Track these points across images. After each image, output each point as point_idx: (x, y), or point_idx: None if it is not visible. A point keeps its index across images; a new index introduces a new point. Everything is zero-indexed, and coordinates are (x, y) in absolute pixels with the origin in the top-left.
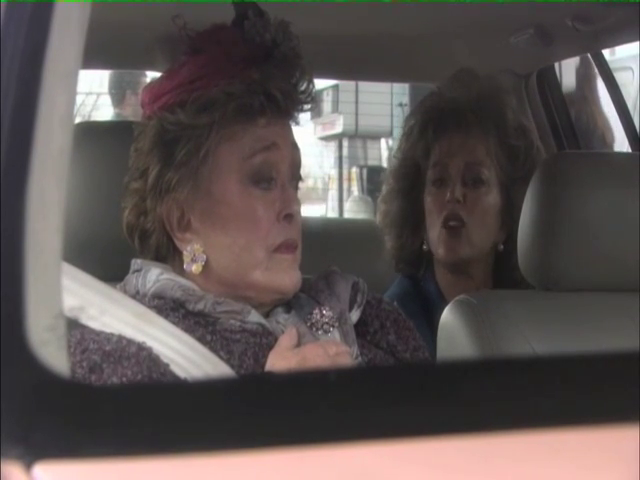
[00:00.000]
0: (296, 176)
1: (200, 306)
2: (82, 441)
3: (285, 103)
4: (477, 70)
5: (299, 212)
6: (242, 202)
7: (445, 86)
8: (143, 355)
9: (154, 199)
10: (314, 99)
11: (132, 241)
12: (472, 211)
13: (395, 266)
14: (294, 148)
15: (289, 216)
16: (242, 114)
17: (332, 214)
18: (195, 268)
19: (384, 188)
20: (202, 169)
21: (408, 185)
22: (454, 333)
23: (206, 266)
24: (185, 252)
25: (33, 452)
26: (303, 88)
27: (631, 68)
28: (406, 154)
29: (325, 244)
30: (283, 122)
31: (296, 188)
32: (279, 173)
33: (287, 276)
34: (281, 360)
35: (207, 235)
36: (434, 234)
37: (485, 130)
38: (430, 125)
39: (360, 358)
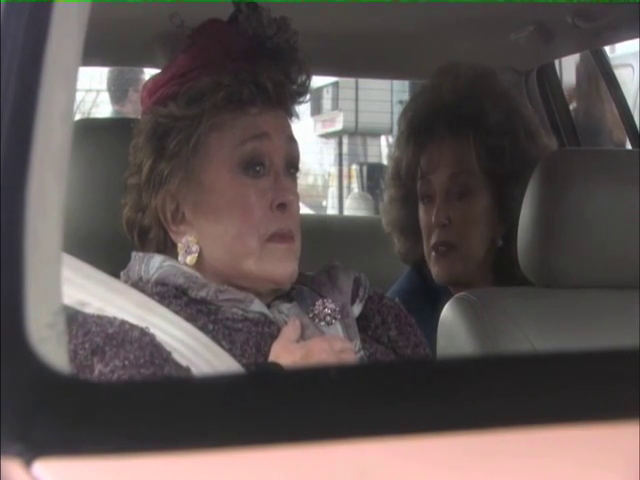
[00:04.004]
0: (292, 168)
1: (203, 293)
2: (82, 438)
3: (276, 93)
4: (460, 65)
5: (294, 202)
6: (233, 191)
7: (427, 89)
8: (146, 340)
9: (148, 192)
10: (307, 91)
11: (132, 238)
12: (460, 232)
13: (403, 261)
14: (289, 140)
15: (282, 205)
16: (232, 103)
17: (332, 211)
18: (189, 260)
19: (385, 193)
20: (193, 159)
21: (404, 195)
22: (454, 330)
23: (200, 257)
24: (179, 244)
25: (33, 449)
26: (297, 80)
27: (631, 65)
28: (398, 165)
29: (325, 242)
30: (275, 112)
31: (293, 180)
32: (272, 163)
33: (281, 266)
34: (285, 353)
35: (200, 226)
36: (427, 252)
37: (463, 138)
38: (411, 138)
39: (362, 352)
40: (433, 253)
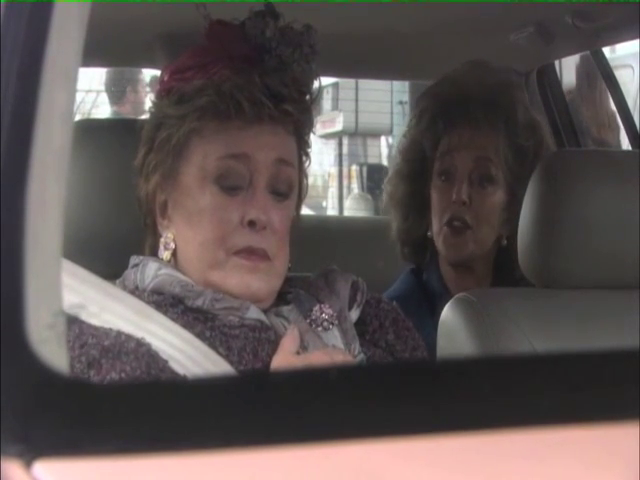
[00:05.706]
0: (280, 191)
1: (199, 302)
2: (82, 439)
3: (254, 111)
4: (489, 63)
5: (271, 222)
6: (206, 199)
7: (457, 75)
8: (142, 351)
9: (141, 178)
10: (304, 109)
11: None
12: (477, 214)
13: (400, 251)
14: (278, 162)
15: (252, 223)
16: (213, 112)
17: (332, 212)
18: (165, 256)
19: (391, 170)
20: (174, 158)
21: (415, 170)
22: (454, 331)
23: (175, 257)
24: (162, 238)
25: (33, 450)
26: (291, 97)
27: (631, 66)
28: (414, 139)
29: (325, 242)
30: (260, 128)
31: (278, 201)
32: (250, 181)
33: (242, 282)
34: (286, 365)
35: (177, 224)
36: (436, 229)
37: (495, 128)
38: (440, 116)
39: (362, 354)
40: (445, 228)
